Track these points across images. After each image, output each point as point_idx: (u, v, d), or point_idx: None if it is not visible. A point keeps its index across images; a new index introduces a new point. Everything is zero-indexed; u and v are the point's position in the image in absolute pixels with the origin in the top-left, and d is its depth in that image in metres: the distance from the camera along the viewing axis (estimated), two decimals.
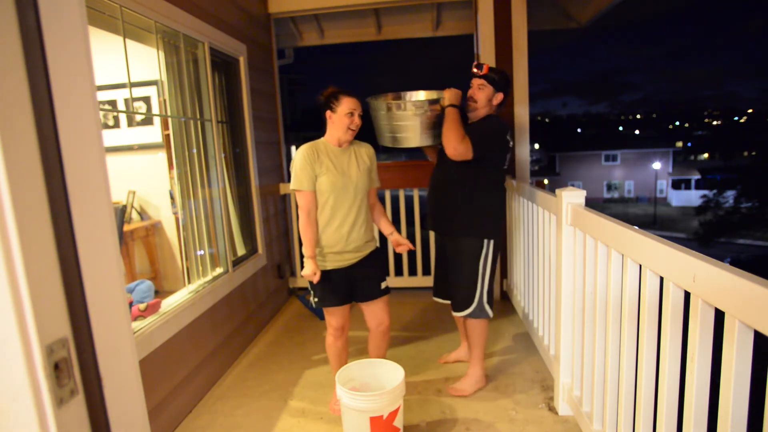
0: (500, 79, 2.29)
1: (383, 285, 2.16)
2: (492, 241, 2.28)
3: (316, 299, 2.12)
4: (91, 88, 0.64)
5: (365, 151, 2.13)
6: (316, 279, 2.02)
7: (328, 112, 2.02)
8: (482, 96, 2.30)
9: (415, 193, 3.72)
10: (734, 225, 21.21)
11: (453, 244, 2.34)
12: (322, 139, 2.08)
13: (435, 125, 2.27)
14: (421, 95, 2.51)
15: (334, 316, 2.13)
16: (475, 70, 2.29)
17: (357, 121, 2.01)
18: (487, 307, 2.33)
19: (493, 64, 3.33)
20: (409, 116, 2.26)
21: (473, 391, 2.33)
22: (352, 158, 2.07)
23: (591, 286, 1.77)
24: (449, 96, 2.24)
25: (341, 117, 1.99)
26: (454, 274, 2.36)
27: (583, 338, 1.88)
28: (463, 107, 2.28)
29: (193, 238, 2.57)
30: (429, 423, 2.10)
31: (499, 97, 2.30)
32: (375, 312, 2.17)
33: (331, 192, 2.00)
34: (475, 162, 2.20)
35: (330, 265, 2.07)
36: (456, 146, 2.14)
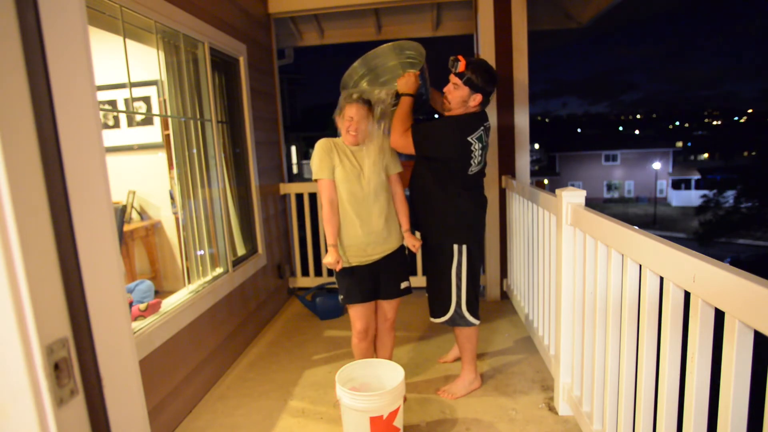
0: (479, 78, 2.05)
1: (404, 285, 2.18)
2: (465, 247, 2.17)
3: (341, 296, 2.15)
4: (91, 88, 0.64)
5: (378, 140, 2.14)
6: (338, 267, 2.04)
7: (337, 117, 2.12)
8: (456, 96, 2.09)
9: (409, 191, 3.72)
10: (734, 225, 21.20)
11: (426, 246, 2.29)
12: (339, 138, 2.16)
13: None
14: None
15: (358, 316, 2.14)
16: (450, 66, 2.08)
17: (355, 125, 2.04)
18: (467, 315, 2.23)
19: (493, 64, 3.32)
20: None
21: (464, 393, 2.30)
22: (364, 152, 2.10)
23: (591, 286, 1.77)
24: (401, 85, 2.14)
25: (343, 121, 2.08)
26: (430, 279, 2.31)
27: (583, 338, 1.88)
28: (421, 93, 2.18)
29: (193, 238, 2.56)
30: (429, 423, 2.10)
31: (477, 98, 2.08)
32: (385, 309, 2.20)
33: (346, 183, 2.04)
34: (432, 163, 2.14)
35: (354, 261, 2.10)
36: (396, 139, 2.10)
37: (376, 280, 2.13)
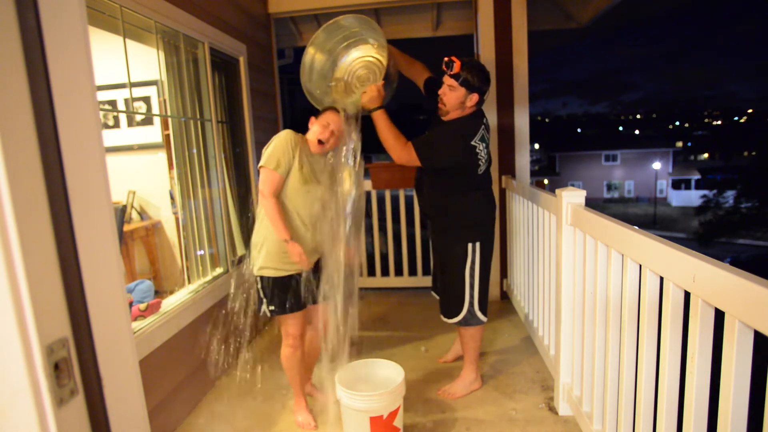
0: (475, 78, 2.03)
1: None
2: (478, 245, 2.17)
3: (272, 307, 1.99)
4: (91, 88, 0.64)
5: (346, 169, 2.02)
6: (306, 266, 1.95)
7: (312, 118, 2.02)
8: (452, 98, 2.06)
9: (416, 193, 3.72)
10: (734, 225, 21.19)
11: (439, 247, 2.29)
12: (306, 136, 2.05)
13: None
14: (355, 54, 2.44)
15: (294, 324, 2.03)
16: (444, 68, 2.05)
17: (328, 134, 1.94)
18: (479, 313, 2.23)
19: (493, 64, 3.32)
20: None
21: (465, 393, 2.30)
22: (323, 165, 2.03)
23: (591, 286, 1.77)
24: (366, 102, 2.04)
25: (317, 125, 1.98)
26: (442, 279, 2.31)
27: (583, 338, 1.88)
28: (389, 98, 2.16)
29: (193, 238, 2.57)
30: (429, 423, 2.10)
31: (474, 98, 2.06)
32: (321, 314, 2.11)
33: (302, 187, 1.94)
34: (438, 170, 2.13)
35: (292, 269, 1.99)
36: (399, 155, 2.04)
37: (308, 286, 2.02)
